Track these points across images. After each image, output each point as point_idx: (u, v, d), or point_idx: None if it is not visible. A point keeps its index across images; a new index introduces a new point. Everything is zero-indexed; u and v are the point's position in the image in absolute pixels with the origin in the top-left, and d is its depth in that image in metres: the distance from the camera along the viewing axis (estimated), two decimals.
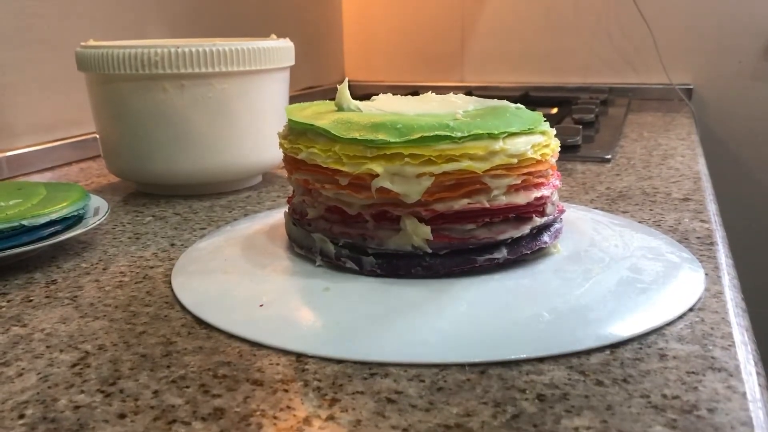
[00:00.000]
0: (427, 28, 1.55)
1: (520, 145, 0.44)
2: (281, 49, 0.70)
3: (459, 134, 0.43)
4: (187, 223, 0.60)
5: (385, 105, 0.51)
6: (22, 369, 0.35)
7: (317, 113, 0.49)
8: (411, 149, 0.42)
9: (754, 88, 1.35)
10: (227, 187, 0.71)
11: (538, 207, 0.46)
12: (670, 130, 1.06)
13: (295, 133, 0.48)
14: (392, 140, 0.42)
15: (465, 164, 0.43)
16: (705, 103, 1.39)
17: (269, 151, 0.71)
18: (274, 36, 0.72)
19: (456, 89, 0.63)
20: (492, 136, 0.43)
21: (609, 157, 0.83)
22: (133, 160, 0.68)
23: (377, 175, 0.43)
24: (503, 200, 0.44)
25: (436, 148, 0.42)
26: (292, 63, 0.73)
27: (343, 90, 0.49)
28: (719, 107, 1.39)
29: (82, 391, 0.33)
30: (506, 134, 0.44)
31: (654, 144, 0.95)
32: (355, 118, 0.46)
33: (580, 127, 0.91)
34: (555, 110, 1.14)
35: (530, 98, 1.28)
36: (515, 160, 0.44)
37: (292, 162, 0.48)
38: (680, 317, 0.38)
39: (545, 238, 0.47)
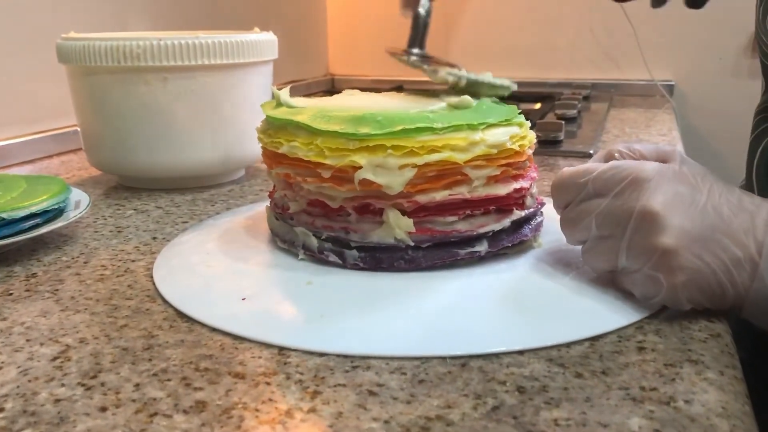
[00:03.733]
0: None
1: (499, 135, 0.45)
2: (264, 42, 0.70)
3: (439, 125, 0.43)
4: (169, 217, 0.60)
5: (336, 101, 0.51)
6: (2, 363, 0.35)
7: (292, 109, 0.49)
8: (393, 141, 0.43)
9: (735, 84, 1.37)
10: (210, 181, 0.71)
11: (518, 199, 0.47)
12: (652, 126, 1.07)
13: (275, 127, 0.48)
14: (375, 132, 0.43)
15: (446, 155, 0.43)
16: (686, 99, 1.41)
17: (252, 145, 0.71)
18: (257, 29, 0.72)
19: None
20: (471, 127, 0.44)
21: (591, 152, 0.83)
22: (114, 153, 0.68)
23: (360, 167, 0.43)
24: (483, 191, 0.45)
25: (418, 140, 0.43)
26: (276, 56, 0.72)
27: (285, 92, 0.50)
28: (700, 103, 1.40)
29: (63, 385, 0.33)
30: (485, 125, 0.44)
31: (636, 139, 0.95)
32: (333, 112, 0.46)
33: (563, 122, 0.91)
34: (538, 105, 1.14)
35: (513, 93, 1.28)
36: (495, 151, 0.44)
37: (272, 156, 0.48)
38: (659, 311, 0.39)
39: (526, 231, 0.47)
